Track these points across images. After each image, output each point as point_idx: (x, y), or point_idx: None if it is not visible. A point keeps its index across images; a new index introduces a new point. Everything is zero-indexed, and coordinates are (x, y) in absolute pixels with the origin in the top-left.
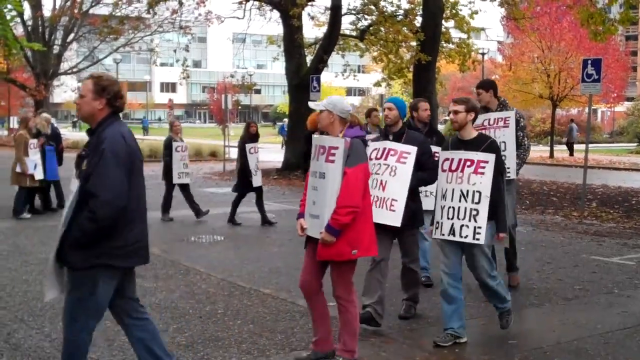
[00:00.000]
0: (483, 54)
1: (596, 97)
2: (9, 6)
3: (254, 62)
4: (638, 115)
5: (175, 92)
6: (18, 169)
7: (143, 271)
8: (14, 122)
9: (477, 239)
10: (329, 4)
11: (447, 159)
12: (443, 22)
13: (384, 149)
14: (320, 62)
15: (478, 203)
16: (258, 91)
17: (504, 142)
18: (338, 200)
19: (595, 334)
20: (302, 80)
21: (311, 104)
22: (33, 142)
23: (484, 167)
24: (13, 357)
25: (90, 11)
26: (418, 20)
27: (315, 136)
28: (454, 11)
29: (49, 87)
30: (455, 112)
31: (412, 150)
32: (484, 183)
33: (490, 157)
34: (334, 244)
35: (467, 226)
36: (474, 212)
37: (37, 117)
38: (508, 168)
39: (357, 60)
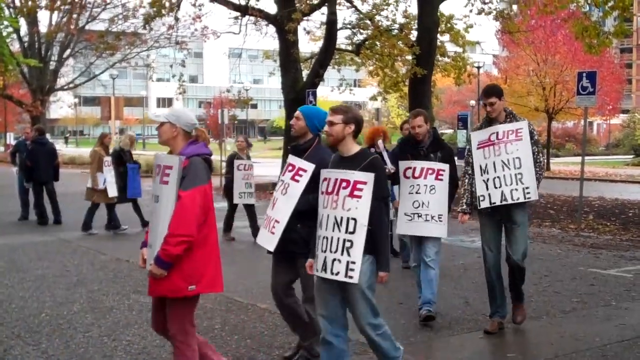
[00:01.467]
0: (478, 67)
1: (592, 109)
2: (5, 22)
3: (250, 77)
4: (634, 127)
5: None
6: (89, 184)
7: (140, 287)
8: (10, 139)
9: (350, 277)
10: (324, 18)
11: (325, 180)
12: (438, 35)
13: (287, 164)
14: (317, 77)
15: (353, 233)
16: (254, 106)
17: (519, 158)
18: (169, 228)
19: (593, 347)
20: (298, 94)
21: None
22: (107, 159)
23: (361, 190)
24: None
25: (87, 27)
26: (413, 34)
27: (159, 154)
28: (449, 25)
29: (46, 103)
30: (331, 124)
31: (309, 168)
32: (360, 209)
33: (369, 177)
34: (167, 278)
35: (340, 260)
36: (347, 244)
37: (123, 135)
38: (527, 188)
39: (353, 74)
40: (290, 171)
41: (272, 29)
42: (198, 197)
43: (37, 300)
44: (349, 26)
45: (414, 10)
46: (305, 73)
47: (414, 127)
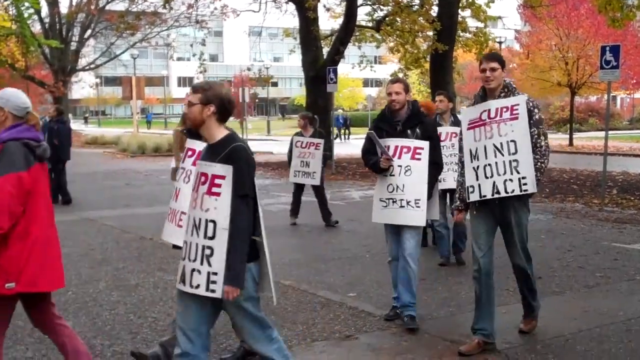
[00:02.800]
0: (500, 42)
1: (615, 83)
2: (27, 4)
3: (271, 55)
4: None
5: None
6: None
7: (164, 265)
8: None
9: (213, 290)
10: None
11: (195, 173)
12: (459, 11)
13: (187, 149)
14: (337, 54)
15: (212, 238)
16: (275, 84)
17: (514, 142)
18: None
19: (617, 322)
20: (318, 72)
21: None
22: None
23: (219, 185)
24: (38, 350)
25: (107, 7)
26: (434, 10)
27: None
28: (470, 0)
29: (67, 84)
30: (189, 104)
31: None
32: (219, 209)
33: (227, 171)
34: None
35: (199, 271)
36: (207, 252)
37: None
38: (524, 178)
39: (374, 51)
40: (190, 157)
41: (291, 6)
42: (8, 186)
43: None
44: (369, 2)
45: None
46: (325, 50)
47: (390, 94)
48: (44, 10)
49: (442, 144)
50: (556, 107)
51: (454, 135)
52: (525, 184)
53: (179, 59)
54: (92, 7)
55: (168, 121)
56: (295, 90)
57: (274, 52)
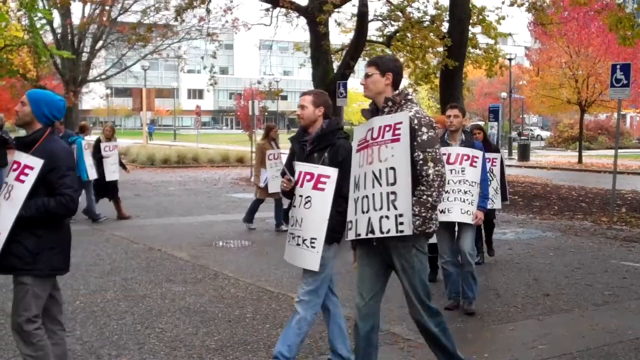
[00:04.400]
0: (510, 59)
1: (625, 102)
2: (39, 14)
3: (281, 69)
4: None
5: (203, 99)
6: (252, 179)
7: (172, 276)
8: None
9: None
10: (355, 10)
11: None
12: (470, 27)
13: (12, 162)
14: (347, 69)
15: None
16: (284, 97)
17: (393, 169)
18: None
19: (625, 340)
20: (328, 86)
21: None
22: (273, 152)
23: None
24: None
25: (119, 19)
26: (445, 26)
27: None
28: (480, 17)
29: (78, 94)
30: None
31: (37, 164)
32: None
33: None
34: None
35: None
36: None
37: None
38: (401, 215)
39: None
40: (14, 170)
41: (302, 20)
42: None
43: (71, 288)
44: (380, 18)
45: (445, 1)
46: (335, 65)
47: (301, 107)
48: (56, 21)
49: (450, 167)
50: (565, 125)
51: (465, 157)
52: (401, 224)
53: (189, 71)
54: (104, 18)
55: (177, 133)
56: None
57: (284, 65)
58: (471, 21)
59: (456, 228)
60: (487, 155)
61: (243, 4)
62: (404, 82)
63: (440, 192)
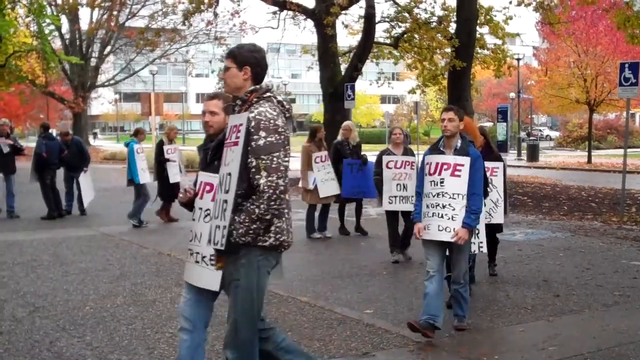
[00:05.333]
0: (518, 59)
1: (634, 101)
2: (47, 20)
3: (289, 72)
4: None
5: None
6: (300, 184)
7: (182, 280)
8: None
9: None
10: (362, 12)
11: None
12: (477, 28)
13: None
14: (355, 71)
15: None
16: (293, 100)
17: (229, 175)
18: None
19: (636, 340)
20: (336, 88)
21: None
22: (320, 155)
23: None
24: None
25: (127, 24)
26: (452, 27)
27: None
28: (488, 17)
29: (87, 100)
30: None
31: None
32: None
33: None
34: None
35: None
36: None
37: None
38: (224, 228)
39: (392, 67)
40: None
41: (310, 23)
42: None
43: (81, 293)
44: (387, 19)
45: (452, 2)
46: (343, 67)
47: (209, 113)
48: (65, 27)
49: (429, 179)
50: (574, 125)
51: (445, 167)
52: (223, 236)
53: (197, 75)
54: (112, 23)
55: (186, 137)
56: (312, 106)
57: (292, 68)
58: (478, 21)
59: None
60: (487, 164)
61: (250, 8)
62: (412, 83)
63: (270, 205)
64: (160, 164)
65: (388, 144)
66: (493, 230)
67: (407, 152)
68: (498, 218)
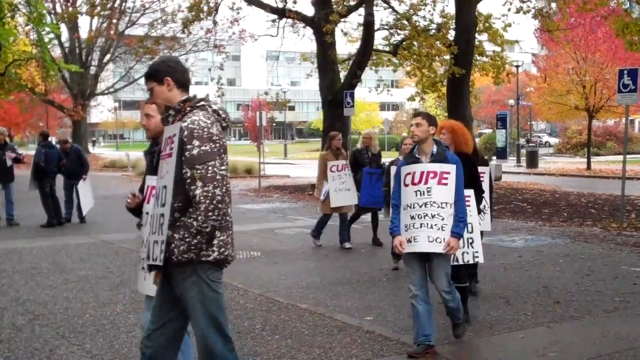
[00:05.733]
0: (517, 66)
1: (633, 107)
2: (47, 29)
3: (288, 79)
4: None
5: None
6: (315, 193)
7: None
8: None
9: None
10: (361, 20)
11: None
12: (476, 35)
13: None
14: (354, 78)
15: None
16: (292, 108)
17: (165, 188)
18: None
19: (637, 347)
20: (336, 96)
21: None
22: (336, 164)
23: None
24: None
25: (126, 32)
26: (451, 34)
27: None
28: (487, 24)
29: (86, 108)
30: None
31: None
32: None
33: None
34: None
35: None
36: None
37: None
38: (162, 243)
39: (391, 75)
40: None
41: (309, 31)
42: None
43: (81, 301)
44: (386, 27)
45: (451, 9)
46: (342, 74)
47: (146, 115)
48: (64, 35)
49: (414, 188)
50: (574, 131)
51: (431, 175)
52: (162, 251)
53: (197, 83)
54: (112, 32)
55: None
56: (312, 114)
57: (291, 76)
58: (477, 29)
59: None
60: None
61: (249, 16)
62: (411, 90)
63: (208, 216)
64: None
65: (399, 154)
66: None
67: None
68: (485, 226)
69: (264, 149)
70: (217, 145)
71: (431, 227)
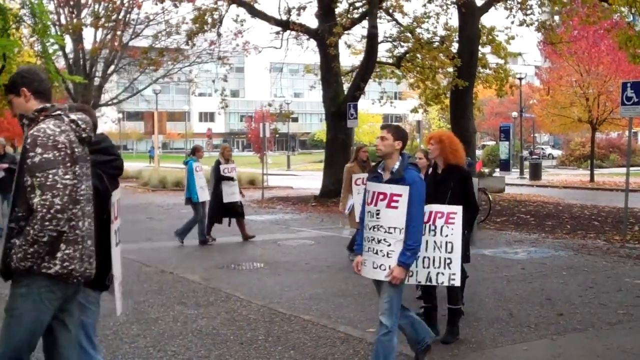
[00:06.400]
0: (520, 78)
1: (636, 120)
2: (51, 40)
3: (291, 91)
4: None
5: (214, 122)
6: (340, 207)
7: (184, 298)
8: None
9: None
10: (365, 32)
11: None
12: (480, 47)
13: None
14: (357, 90)
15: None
16: (295, 119)
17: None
18: None
19: None
20: (339, 107)
21: None
22: (362, 176)
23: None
24: None
25: (130, 43)
26: (454, 47)
27: None
28: (490, 37)
29: None
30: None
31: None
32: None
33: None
34: None
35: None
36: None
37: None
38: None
39: (394, 87)
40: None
41: (313, 43)
42: None
43: None
44: (389, 39)
45: (454, 22)
46: (346, 86)
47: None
48: (69, 46)
49: (367, 209)
50: (577, 143)
51: (381, 197)
52: (9, 260)
53: (200, 94)
54: (116, 43)
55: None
56: (315, 125)
57: (295, 87)
58: (481, 41)
59: None
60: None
61: (253, 28)
62: (414, 102)
63: (45, 226)
64: (217, 183)
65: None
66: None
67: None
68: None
69: (267, 160)
70: (63, 154)
71: (376, 252)
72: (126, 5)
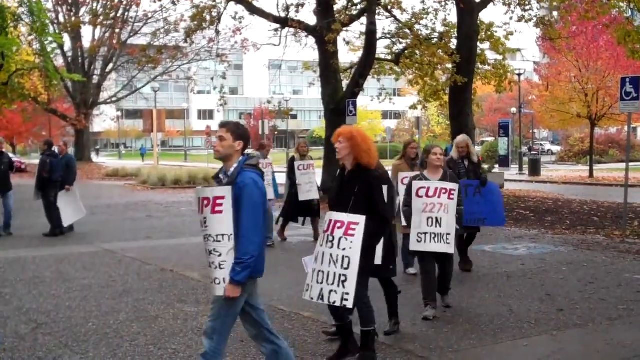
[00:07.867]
0: (519, 74)
1: (635, 115)
2: (50, 38)
3: (290, 88)
4: None
5: (213, 119)
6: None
7: (184, 296)
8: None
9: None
10: (364, 29)
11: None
12: (478, 43)
13: None
14: (356, 87)
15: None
16: (294, 116)
17: None
18: None
19: None
20: (338, 104)
21: None
22: (408, 175)
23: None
24: None
25: (129, 41)
26: (453, 43)
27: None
28: (489, 33)
29: (89, 117)
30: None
31: None
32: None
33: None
34: None
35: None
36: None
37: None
38: None
39: (393, 83)
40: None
41: (311, 40)
42: None
43: (84, 310)
44: (388, 36)
45: (453, 18)
46: (345, 83)
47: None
48: (67, 45)
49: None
50: (576, 139)
51: (205, 203)
52: None
53: (199, 92)
54: (114, 41)
55: (188, 154)
56: (314, 122)
57: (294, 85)
58: (479, 37)
59: None
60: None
61: (252, 25)
62: (413, 99)
63: None
64: (291, 181)
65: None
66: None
67: (447, 177)
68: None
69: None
70: None
71: (210, 265)
72: (124, 3)
